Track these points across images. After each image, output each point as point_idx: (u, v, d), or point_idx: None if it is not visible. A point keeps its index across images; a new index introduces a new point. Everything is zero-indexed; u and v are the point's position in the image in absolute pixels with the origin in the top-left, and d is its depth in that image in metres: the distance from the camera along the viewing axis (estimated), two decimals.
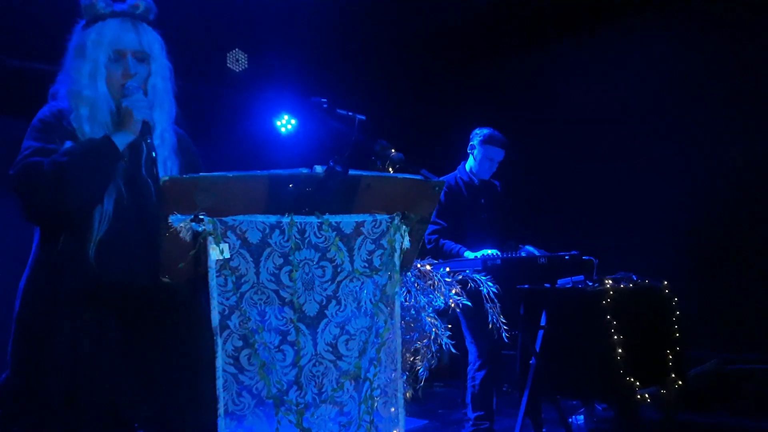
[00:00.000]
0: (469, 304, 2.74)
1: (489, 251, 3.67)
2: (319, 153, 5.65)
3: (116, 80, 1.94)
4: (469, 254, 3.68)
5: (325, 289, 1.80)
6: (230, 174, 1.76)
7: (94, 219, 1.85)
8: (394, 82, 6.32)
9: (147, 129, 1.85)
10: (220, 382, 1.70)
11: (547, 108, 5.97)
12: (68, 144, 1.84)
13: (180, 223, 1.70)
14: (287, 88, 5.83)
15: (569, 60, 5.86)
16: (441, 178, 1.92)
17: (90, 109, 1.91)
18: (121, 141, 1.85)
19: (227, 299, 1.73)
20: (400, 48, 6.03)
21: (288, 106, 6.03)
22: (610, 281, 3.62)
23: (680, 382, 3.65)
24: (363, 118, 2.02)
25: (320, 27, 5.49)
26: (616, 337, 3.40)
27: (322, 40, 5.63)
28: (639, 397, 3.39)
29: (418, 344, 2.43)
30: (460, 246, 3.77)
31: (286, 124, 6.09)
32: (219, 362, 1.71)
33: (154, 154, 1.82)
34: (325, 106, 2.38)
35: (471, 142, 4.04)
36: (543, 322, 3.67)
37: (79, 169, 1.77)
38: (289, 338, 1.76)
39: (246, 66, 5.55)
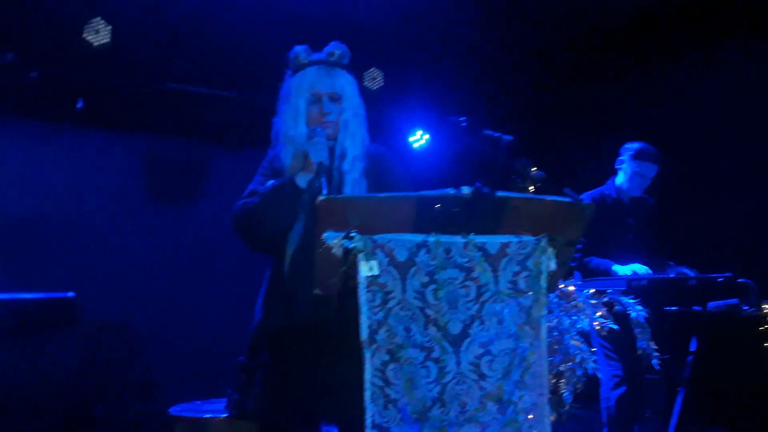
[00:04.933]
0: (616, 327, 2.66)
1: (639, 267, 3.52)
2: (451, 168, 5.71)
3: (314, 119, 2.24)
4: (618, 269, 3.55)
5: (469, 309, 1.82)
6: (380, 195, 1.85)
7: (288, 241, 2.13)
8: (533, 94, 6.24)
9: (323, 168, 2.08)
10: (368, 394, 1.76)
11: (702, 118, 5.64)
12: (268, 184, 2.18)
13: (333, 240, 1.79)
14: (422, 104, 5.92)
15: (722, 66, 5.52)
16: (586, 194, 1.91)
17: (293, 146, 2.22)
18: (302, 180, 2.12)
19: (375, 314, 1.79)
20: (541, 60, 5.95)
21: (422, 121, 6.12)
22: None
23: None
24: (511, 138, 2.03)
25: (456, 42, 5.53)
26: None
27: (458, 55, 5.67)
28: None
29: (562, 367, 2.38)
30: (607, 261, 3.64)
31: (419, 139, 6.18)
32: (367, 375, 1.77)
33: (324, 192, 2.00)
34: (464, 124, 2.43)
35: (620, 157, 3.88)
36: (692, 348, 3.49)
37: (267, 207, 2.13)
38: (433, 355, 1.79)
39: (382, 84, 5.69)
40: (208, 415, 3.05)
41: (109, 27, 4.44)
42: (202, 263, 5.28)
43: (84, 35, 4.40)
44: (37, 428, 4.55)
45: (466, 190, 1.79)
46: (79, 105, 4.72)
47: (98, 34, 4.42)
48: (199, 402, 3.35)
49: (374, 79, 5.70)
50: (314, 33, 2.41)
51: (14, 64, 4.38)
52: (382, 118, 5.73)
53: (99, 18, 4.41)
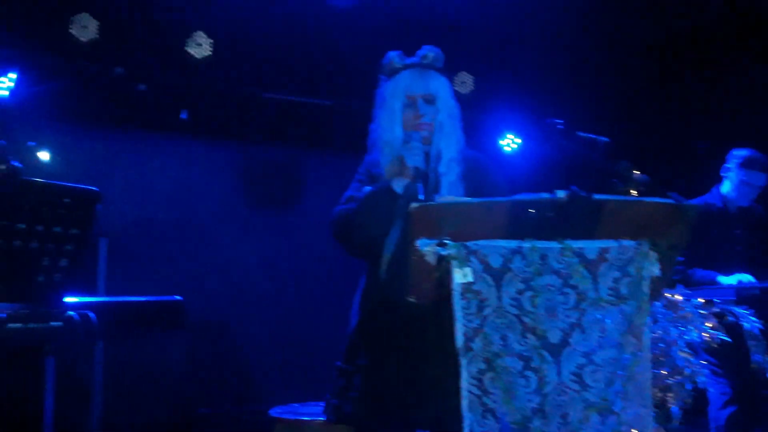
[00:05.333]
0: (729, 340, 2.50)
1: (745, 276, 3.32)
2: (544, 173, 5.58)
3: (409, 122, 2.23)
4: (723, 279, 3.35)
5: (569, 317, 1.77)
6: (473, 200, 1.83)
7: (384, 247, 2.10)
8: (629, 96, 6.01)
9: (419, 173, 2.06)
10: (465, 403, 1.74)
11: None
12: (365, 190, 2.19)
13: (426, 247, 1.78)
14: (513, 107, 5.83)
15: None
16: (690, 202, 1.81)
17: (389, 151, 2.22)
18: (399, 185, 2.12)
19: (470, 321, 1.76)
20: (636, 60, 5.73)
21: (513, 125, 6.03)
22: None
23: None
24: (606, 140, 1.96)
25: (547, 44, 5.41)
26: None
27: (549, 57, 5.55)
28: None
29: (669, 380, 2.26)
30: (712, 272, 3.45)
31: (510, 143, 6.08)
32: (464, 383, 1.74)
33: (420, 197, 1.98)
34: (560, 127, 2.37)
35: (726, 164, 3.66)
36: None
37: (364, 213, 2.14)
38: (532, 364, 1.75)
39: (472, 88, 5.64)
40: (306, 418, 3.11)
41: (210, 40, 4.62)
42: (301, 268, 5.41)
43: (187, 48, 4.60)
44: (144, 424, 4.77)
45: (561, 193, 1.75)
46: (183, 115, 4.93)
47: (200, 47, 4.61)
48: (297, 404, 3.42)
49: (464, 83, 5.67)
50: (405, 39, 2.42)
51: (123, 78, 4.64)
52: (472, 123, 5.67)
53: (201, 32, 4.60)
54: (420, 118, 2.22)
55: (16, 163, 1.77)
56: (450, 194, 2.17)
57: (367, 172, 2.30)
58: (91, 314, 2.33)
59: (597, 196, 1.74)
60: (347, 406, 2.15)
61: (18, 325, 2.13)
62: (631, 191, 2.19)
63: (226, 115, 5.19)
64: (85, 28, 4.31)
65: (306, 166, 5.68)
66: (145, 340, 4.53)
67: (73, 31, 4.30)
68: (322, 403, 2.27)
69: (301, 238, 5.36)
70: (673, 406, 2.26)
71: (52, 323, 2.24)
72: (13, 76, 4.31)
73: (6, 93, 4.31)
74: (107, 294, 4.26)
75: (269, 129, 5.40)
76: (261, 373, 5.22)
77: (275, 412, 3.29)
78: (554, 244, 1.77)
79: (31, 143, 4.27)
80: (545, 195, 1.75)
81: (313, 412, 3.13)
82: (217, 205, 5.34)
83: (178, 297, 2.82)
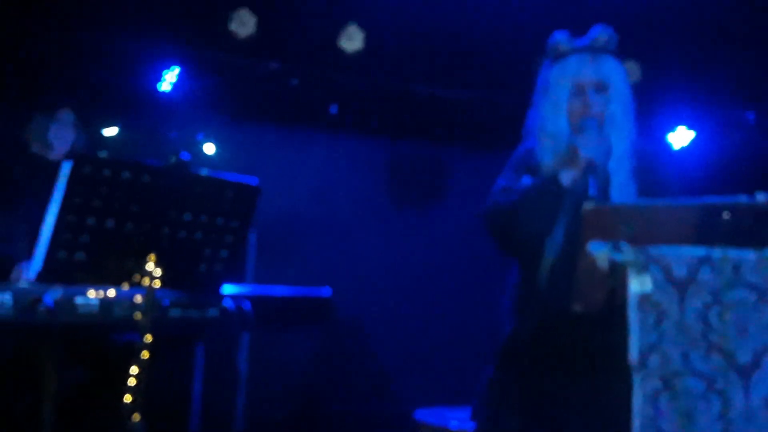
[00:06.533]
0: None
1: None
2: (720, 171, 5.13)
3: (576, 112, 2.04)
4: None
5: (763, 336, 1.57)
6: (657, 203, 1.68)
7: (545, 247, 1.96)
8: None
9: (592, 167, 1.88)
10: (637, 424, 1.60)
11: None
12: (524, 180, 2.03)
13: (599, 251, 1.64)
14: (684, 97, 5.43)
15: None
16: None
17: (552, 142, 2.05)
18: (567, 177, 1.95)
19: (647, 336, 1.61)
20: None
21: (685, 117, 5.62)
22: None
23: None
24: None
25: (725, 26, 4.96)
26: None
27: (728, 40, 5.08)
28: None
29: None
30: None
31: (681, 137, 5.68)
32: (637, 402, 1.60)
33: (591, 194, 1.83)
34: (751, 121, 2.14)
35: None
36: None
37: (526, 206, 1.98)
38: (716, 387, 1.58)
39: (639, 77, 5.32)
40: (454, 424, 3.03)
41: (363, 34, 4.64)
42: (445, 265, 5.36)
43: (339, 43, 4.65)
44: (285, 416, 4.90)
45: (762, 197, 1.57)
46: (333, 110, 5.00)
47: (352, 40, 4.64)
48: (443, 408, 3.35)
49: (630, 72, 5.36)
50: (561, 28, 2.21)
51: (277, 72, 4.76)
52: (639, 114, 5.34)
53: (354, 25, 4.63)
54: (589, 108, 2.03)
55: (186, 156, 1.82)
56: (621, 194, 1.99)
57: (523, 162, 2.14)
58: (246, 304, 2.39)
59: None
60: (498, 417, 2.04)
61: (178, 311, 2.20)
62: None
63: (375, 110, 5.21)
64: (244, 24, 4.46)
65: (452, 163, 5.62)
66: (288, 331, 4.65)
67: (233, 27, 4.46)
68: (468, 408, 2.17)
69: (446, 235, 5.30)
70: None
71: (210, 311, 2.30)
72: (176, 71, 4.54)
73: (169, 87, 4.55)
74: (255, 285, 4.39)
75: (416, 124, 5.38)
76: (403, 372, 5.20)
77: (420, 414, 3.23)
78: (750, 254, 1.58)
79: (199, 136, 4.48)
80: (743, 198, 1.56)
81: (460, 417, 3.04)
82: (362, 200, 5.39)
83: (326, 290, 2.84)
